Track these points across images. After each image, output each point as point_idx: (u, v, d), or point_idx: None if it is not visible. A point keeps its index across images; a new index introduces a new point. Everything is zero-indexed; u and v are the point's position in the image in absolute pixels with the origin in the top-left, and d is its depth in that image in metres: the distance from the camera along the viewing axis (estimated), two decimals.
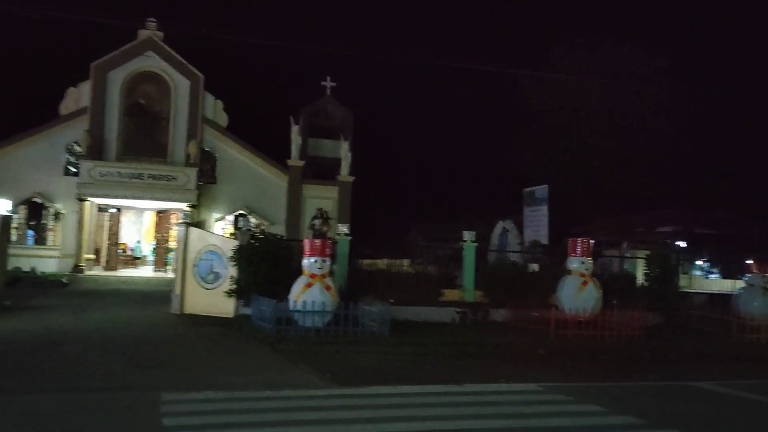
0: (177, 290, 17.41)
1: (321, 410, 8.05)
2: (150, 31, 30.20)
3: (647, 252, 20.47)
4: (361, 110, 35.32)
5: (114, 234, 31.05)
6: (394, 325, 14.45)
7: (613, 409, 8.65)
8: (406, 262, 21.36)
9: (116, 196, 28.81)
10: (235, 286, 16.39)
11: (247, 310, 16.05)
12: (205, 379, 9.56)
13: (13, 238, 26.14)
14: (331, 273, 15.39)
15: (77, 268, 27.73)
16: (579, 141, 35.12)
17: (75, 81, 30.06)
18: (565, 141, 35.30)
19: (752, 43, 49.73)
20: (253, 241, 16.79)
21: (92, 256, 29.39)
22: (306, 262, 14.75)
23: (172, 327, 14.98)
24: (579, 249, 16.90)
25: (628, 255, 22.93)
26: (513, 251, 24.23)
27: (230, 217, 30.88)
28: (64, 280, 24.21)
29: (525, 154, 36.07)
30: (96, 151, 29.01)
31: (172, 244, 29.12)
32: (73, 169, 29.19)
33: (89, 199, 28.60)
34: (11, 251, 18.34)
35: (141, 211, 32.84)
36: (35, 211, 29.14)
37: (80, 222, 28.57)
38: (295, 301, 14.32)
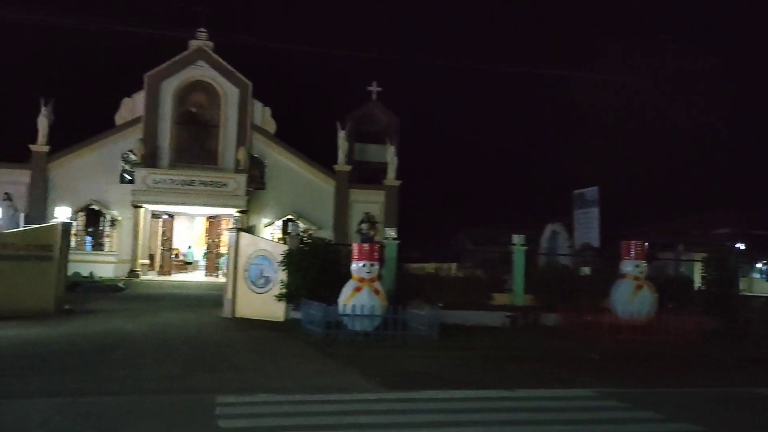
0: (228, 294, 17.69)
1: (373, 414, 8.05)
2: (200, 41, 30.90)
3: (704, 254, 19.89)
4: (407, 114, 35.44)
5: (167, 239, 31.80)
6: (442, 329, 14.37)
7: (672, 416, 8.40)
8: (453, 265, 21.26)
9: (169, 203, 29.52)
10: (284, 290, 16.56)
11: (296, 314, 16.20)
12: (257, 382, 9.69)
13: (72, 244, 26.99)
14: (380, 277, 15.41)
15: (133, 273, 28.48)
16: (630, 141, 34.34)
17: (130, 91, 30.95)
18: (615, 141, 34.58)
19: None
20: (302, 246, 16.95)
21: (147, 261, 30.15)
22: (355, 266, 14.81)
23: (225, 330, 15.22)
24: (632, 252, 16.54)
25: (684, 258, 22.27)
26: (563, 254, 23.82)
27: (279, 222, 31.29)
28: (120, 284, 24.87)
29: (574, 155, 35.47)
30: (150, 159, 29.78)
31: (223, 249, 29.67)
32: (128, 177, 30.03)
33: (144, 205, 29.36)
34: (71, 257, 18.91)
35: (192, 216, 33.59)
36: (93, 218, 30.09)
37: (135, 228, 29.35)
38: (344, 305, 14.39)
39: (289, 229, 18.40)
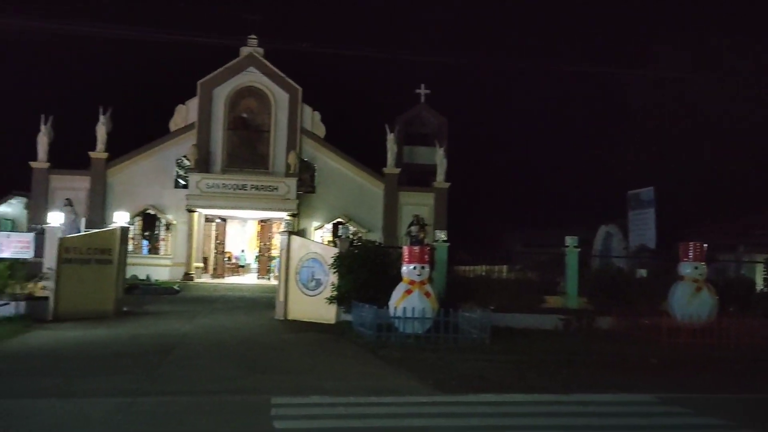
0: (280, 297, 17.91)
1: (427, 417, 8.01)
2: (251, 48, 31.40)
3: (766, 256, 19.17)
4: (456, 116, 35.24)
5: (220, 243, 32.39)
6: (494, 332, 14.24)
7: (737, 423, 8.10)
8: (504, 268, 21.03)
9: (222, 207, 30.06)
10: (335, 293, 16.68)
11: (347, 316, 16.30)
12: (311, 383, 9.77)
13: (130, 247, 27.76)
14: (430, 280, 15.36)
15: (187, 276, 29.10)
16: (687, 139, 33.46)
17: (184, 99, 31.68)
18: (672, 140, 33.72)
19: None
20: (352, 249, 17.03)
21: (201, 264, 30.77)
22: (405, 268, 14.81)
23: (277, 332, 15.40)
24: (691, 253, 16.09)
25: (746, 259, 21.52)
26: (618, 256, 23.31)
27: (328, 225, 31.52)
28: (175, 287, 25.44)
29: (628, 154, 34.74)
30: (203, 164, 30.40)
31: (274, 252, 30.05)
32: (183, 182, 30.73)
33: (197, 209, 29.98)
34: (128, 260, 19.44)
35: (244, 220, 34.12)
36: (149, 222, 30.88)
37: (189, 232, 29.98)
38: (395, 308, 14.39)
39: (340, 232, 18.54)
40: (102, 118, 29.80)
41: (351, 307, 16.12)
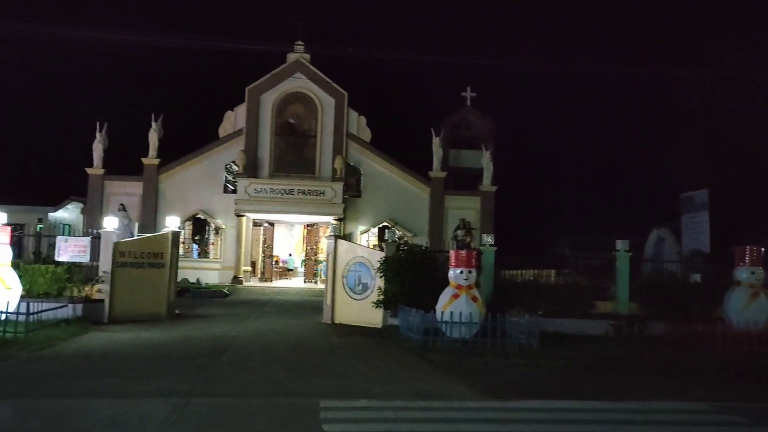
0: (327, 301, 18.06)
1: (476, 423, 7.98)
2: (297, 54, 31.81)
3: None
4: (503, 119, 34.95)
5: (268, 247, 32.87)
6: (542, 338, 14.08)
7: None
8: (552, 272, 20.73)
9: (269, 211, 30.50)
10: (382, 297, 16.73)
11: (394, 321, 16.33)
12: (359, 387, 9.83)
13: (181, 251, 28.39)
14: (477, 284, 15.28)
15: (236, 280, 29.61)
16: (742, 140, 32.42)
17: (232, 105, 32.29)
18: (725, 142, 32.77)
19: None
20: (399, 253, 17.06)
21: (249, 268, 31.28)
22: (452, 273, 14.77)
23: (325, 336, 15.54)
24: (748, 258, 15.64)
25: None
26: (671, 261, 22.76)
27: (374, 230, 31.65)
28: (225, 290, 25.91)
29: (681, 156, 33.87)
30: (251, 169, 30.91)
31: (321, 256, 30.32)
32: (231, 187, 31.30)
33: (246, 214, 30.48)
34: (179, 264, 19.89)
35: (291, 224, 34.56)
36: (199, 227, 31.56)
37: (238, 236, 30.50)
38: (442, 312, 14.36)
39: (386, 236, 18.57)
40: (154, 125, 30.61)
41: (397, 312, 16.15)
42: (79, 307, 16.16)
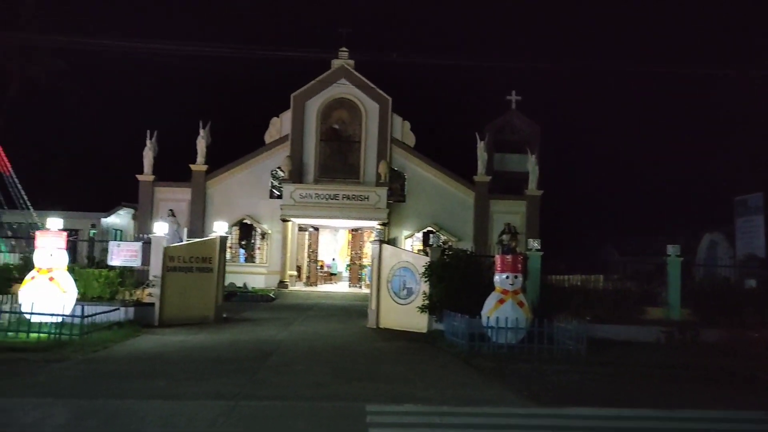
0: (372, 305, 18.10)
1: (524, 430, 7.88)
2: (342, 60, 32.06)
3: None
4: (548, 122, 34.54)
5: (313, 251, 33.16)
6: (590, 344, 13.79)
7: None
8: (600, 277, 20.35)
9: (314, 216, 30.78)
10: (427, 302, 16.68)
11: (439, 326, 16.25)
12: (405, 391, 9.81)
13: (228, 256, 28.87)
14: (523, 289, 15.11)
15: (282, 284, 29.94)
16: None
17: (278, 111, 32.73)
18: None
19: None
20: (444, 257, 16.99)
21: (294, 273, 31.59)
22: (498, 278, 14.63)
23: (370, 341, 15.56)
24: None
25: None
26: (724, 266, 22.09)
27: (419, 234, 31.62)
28: (271, 294, 26.20)
29: (734, 159, 32.90)
30: (296, 174, 31.26)
31: (365, 260, 30.43)
32: (277, 192, 31.71)
33: (291, 219, 30.82)
34: (227, 268, 20.22)
35: (336, 229, 34.79)
36: (246, 232, 32.07)
37: (284, 241, 30.85)
38: (488, 317, 14.22)
39: (431, 240, 18.53)
40: (202, 132, 31.25)
41: (443, 316, 16.08)
42: (131, 310, 16.53)
